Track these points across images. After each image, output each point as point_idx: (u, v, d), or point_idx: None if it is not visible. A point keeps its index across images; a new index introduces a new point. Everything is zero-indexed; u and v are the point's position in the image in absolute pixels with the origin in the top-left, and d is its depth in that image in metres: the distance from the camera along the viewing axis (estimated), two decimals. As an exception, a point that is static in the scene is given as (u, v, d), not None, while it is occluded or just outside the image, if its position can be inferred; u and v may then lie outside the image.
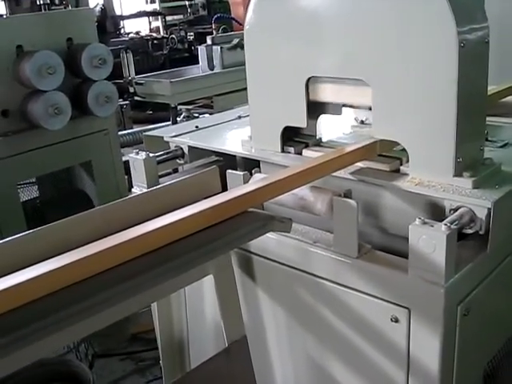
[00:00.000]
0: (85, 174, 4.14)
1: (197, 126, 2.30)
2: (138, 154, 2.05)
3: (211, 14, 6.55)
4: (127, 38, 7.32)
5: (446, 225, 1.29)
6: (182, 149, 2.16)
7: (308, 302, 1.62)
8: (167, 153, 2.17)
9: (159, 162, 2.09)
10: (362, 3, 1.57)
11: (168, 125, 4.49)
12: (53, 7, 7.09)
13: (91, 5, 7.72)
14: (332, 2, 1.63)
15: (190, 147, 2.13)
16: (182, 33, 7.78)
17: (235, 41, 4.16)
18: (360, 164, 1.63)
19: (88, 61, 3.49)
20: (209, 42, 4.28)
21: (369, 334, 1.49)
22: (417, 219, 1.34)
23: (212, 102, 4.23)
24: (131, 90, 4.22)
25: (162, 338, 1.92)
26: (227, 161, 2.08)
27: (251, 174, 1.71)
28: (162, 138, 2.22)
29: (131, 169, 2.06)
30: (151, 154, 2.03)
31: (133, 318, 1.85)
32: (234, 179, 1.70)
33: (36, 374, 2.24)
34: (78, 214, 1.36)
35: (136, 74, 4.68)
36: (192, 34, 7.56)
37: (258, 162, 1.92)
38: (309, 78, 1.73)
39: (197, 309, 1.89)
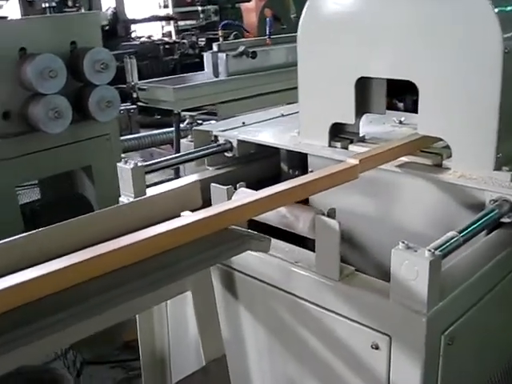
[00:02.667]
0: (86, 178, 4.11)
1: (243, 123, 2.40)
2: (126, 162, 2.01)
3: (223, 20, 6.52)
4: (138, 42, 7.34)
5: (429, 251, 1.24)
6: (230, 142, 2.27)
7: (288, 322, 1.57)
8: (216, 146, 2.27)
9: (207, 155, 2.27)
10: (413, 8, 1.72)
11: (172, 131, 4.45)
12: (65, 9, 7.14)
13: (103, 8, 7.76)
14: (385, 4, 1.78)
15: (239, 141, 2.23)
16: (194, 38, 7.76)
17: (241, 48, 4.12)
18: (404, 158, 1.78)
19: (90, 65, 3.46)
20: (215, 48, 4.24)
21: (349, 359, 1.44)
22: (400, 243, 1.28)
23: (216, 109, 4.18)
24: (135, 95, 4.19)
25: (143, 351, 1.88)
26: (270, 157, 2.35)
27: (235, 189, 1.66)
28: (210, 132, 2.34)
29: (119, 178, 2.02)
30: (139, 164, 1.99)
31: (126, 324, 1.84)
32: (218, 194, 1.65)
33: (15, 381, 2.20)
34: (59, 224, 1.33)
35: (146, 79, 4.67)
36: (203, 39, 7.54)
37: (302, 158, 2.09)
38: (359, 79, 1.86)
39: (178, 323, 1.85)
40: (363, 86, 1.91)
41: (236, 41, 4.58)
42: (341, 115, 1.95)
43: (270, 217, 1.52)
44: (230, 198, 1.63)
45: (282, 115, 2.52)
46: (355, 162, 1.51)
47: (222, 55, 4.14)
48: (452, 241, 1.35)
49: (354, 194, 1.92)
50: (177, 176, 4.05)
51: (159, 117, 7.04)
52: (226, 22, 4.78)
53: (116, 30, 7.32)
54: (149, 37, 8.27)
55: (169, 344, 1.90)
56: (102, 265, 1.19)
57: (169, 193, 1.48)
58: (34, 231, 1.29)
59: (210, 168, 2.32)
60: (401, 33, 1.75)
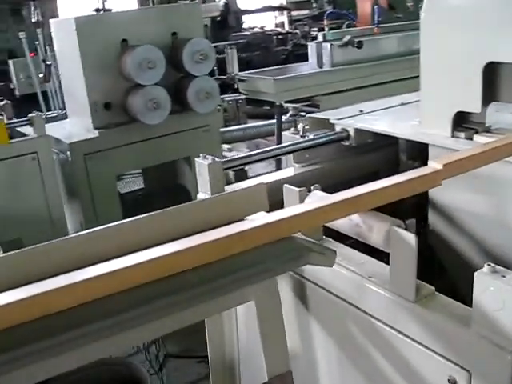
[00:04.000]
0: (187, 168, 4.14)
1: (361, 111, 2.30)
2: (204, 158, 1.94)
3: (337, 9, 6.33)
4: (249, 33, 7.31)
5: (518, 276, 1.04)
6: (347, 131, 2.17)
7: (360, 340, 1.42)
8: (333, 134, 2.20)
9: (321, 144, 2.18)
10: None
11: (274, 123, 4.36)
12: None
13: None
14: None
15: (356, 129, 2.14)
16: (306, 28, 7.63)
17: (346, 38, 3.93)
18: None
19: (189, 56, 3.46)
20: (320, 38, 4.09)
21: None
22: (485, 265, 1.09)
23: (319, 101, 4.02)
24: (236, 86, 4.15)
25: (212, 356, 1.80)
26: (387, 147, 2.23)
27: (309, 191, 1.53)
28: (326, 120, 2.26)
29: (197, 173, 1.96)
30: (217, 159, 1.91)
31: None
32: (290, 195, 1.52)
33: (96, 372, 2.22)
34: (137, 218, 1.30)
35: (256, 68, 4.62)
36: (316, 29, 7.39)
37: (422, 148, 1.95)
38: (487, 64, 1.72)
39: (248, 332, 1.75)
40: (491, 72, 1.76)
41: (341, 30, 4.38)
42: (466, 103, 1.82)
43: (342, 224, 1.38)
44: (302, 200, 1.49)
45: (402, 104, 2.40)
46: (438, 166, 1.32)
47: (327, 45, 3.97)
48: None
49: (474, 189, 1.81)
50: (278, 168, 3.96)
51: (268, 108, 7.00)
52: (331, 11, 4.60)
53: (227, 20, 7.35)
54: (261, 27, 8.25)
55: (238, 352, 1.81)
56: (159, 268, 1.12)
57: (233, 194, 1.37)
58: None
59: (297, 165, 2.19)
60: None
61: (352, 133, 2.18)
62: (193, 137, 3.77)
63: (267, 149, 2.14)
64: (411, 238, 1.20)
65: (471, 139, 1.84)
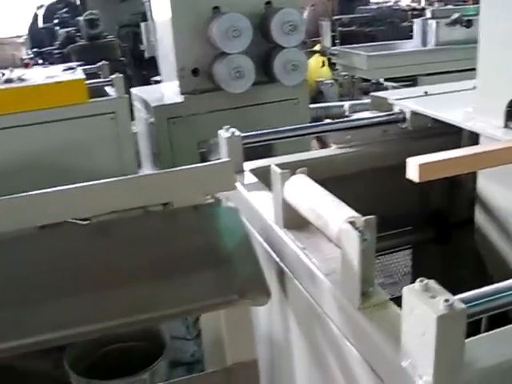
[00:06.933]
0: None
1: (426, 92, 2.24)
2: (227, 130, 1.88)
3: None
4: (375, 7, 6.97)
5: (447, 301, 0.87)
6: (404, 113, 2.08)
7: (318, 337, 1.31)
8: (389, 115, 2.11)
9: (375, 124, 2.07)
10: None
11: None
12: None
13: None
14: None
15: (412, 112, 2.05)
16: (442, 4, 7.12)
17: (455, 15, 3.58)
18: None
19: (278, 26, 3.37)
20: (428, 15, 3.77)
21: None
22: (417, 282, 0.94)
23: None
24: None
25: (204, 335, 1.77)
26: (449, 134, 2.04)
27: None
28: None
29: (220, 146, 1.91)
30: (237, 133, 1.84)
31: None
32: (274, 177, 1.42)
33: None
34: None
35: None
36: (450, 6, 6.87)
37: None
38: None
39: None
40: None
41: (452, 7, 4.01)
42: None
43: (308, 214, 1.26)
44: (283, 183, 1.39)
45: (475, 87, 2.16)
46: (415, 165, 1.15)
47: (432, 22, 3.66)
48: (505, 294, 0.95)
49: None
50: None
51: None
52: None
53: (354, -6, 7.08)
54: (396, 2, 7.86)
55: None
56: None
57: (196, 169, 1.31)
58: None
59: (333, 146, 2.06)
60: None
61: (408, 115, 2.04)
62: (279, 109, 3.68)
63: (303, 125, 2.03)
64: (355, 237, 1.06)
65: (525, 131, 1.69)
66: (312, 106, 4.13)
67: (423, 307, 0.89)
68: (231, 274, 1.19)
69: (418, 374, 0.92)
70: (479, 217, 1.92)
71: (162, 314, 1.11)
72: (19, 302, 1.13)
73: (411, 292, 0.93)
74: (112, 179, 1.20)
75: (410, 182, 2.07)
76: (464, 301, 0.91)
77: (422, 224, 2.19)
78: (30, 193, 1.24)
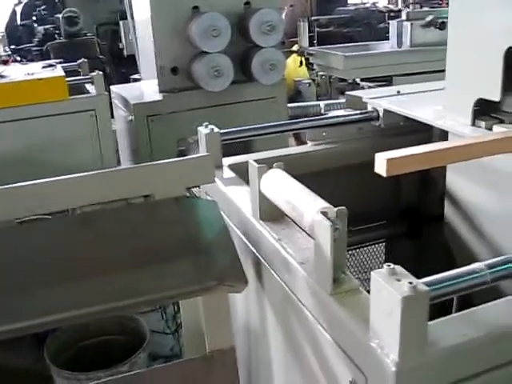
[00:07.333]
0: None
1: (398, 92, 2.30)
2: (206, 127, 1.93)
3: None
4: (353, 8, 7.07)
5: (410, 283, 0.94)
6: (377, 111, 2.15)
7: (293, 325, 1.37)
8: (363, 113, 2.19)
9: (351, 122, 2.15)
10: None
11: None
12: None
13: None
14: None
15: (385, 110, 2.12)
16: (418, 6, 7.27)
17: (429, 18, 3.68)
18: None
19: (257, 26, 3.43)
20: (403, 16, 3.87)
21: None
22: (385, 266, 1.00)
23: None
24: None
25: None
26: (420, 132, 2.11)
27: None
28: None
29: (199, 142, 1.96)
30: (216, 130, 1.90)
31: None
32: (252, 170, 1.48)
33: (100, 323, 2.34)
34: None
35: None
36: (427, 8, 7.00)
37: None
38: (508, 49, 1.63)
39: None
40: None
41: (426, 10, 4.12)
42: (486, 90, 1.73)
43: (282, 205, 1.32)
44: (260, 176, 1.44)
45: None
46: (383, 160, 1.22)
47: (407, 24, 3.75)
48: (471, 276, 1.02)
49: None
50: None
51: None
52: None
53: (332, -6, 7.17)
54: (373, 3, 7.97)
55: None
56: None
57: (177, 163, 1.36)
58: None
59: (310, 143, 2.12)
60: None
61: (381, 113, 2.11)
62: (257, 107, 3.74)
63: (280, 122, 2.09)
64: (327, 226, 1.12)
65: (491, 129, 1.74)
66: (289, 105, 4.20)
67: (389, 289, 0.96)
68: (210, 262, 1.24)
69: (386, 353, 0.98)
70: (448, 211, 2.00)
71: (144, 300, 1.16)
72: (4, 289, 1.17)
73: (379, 275, 0.99)
74: (96, 171, 1.25)
75: (384, 178, 2.15)
76: (427, 284, 0.98)
77: (395, 219, 2.27)
78: (13, 185, 1.28)
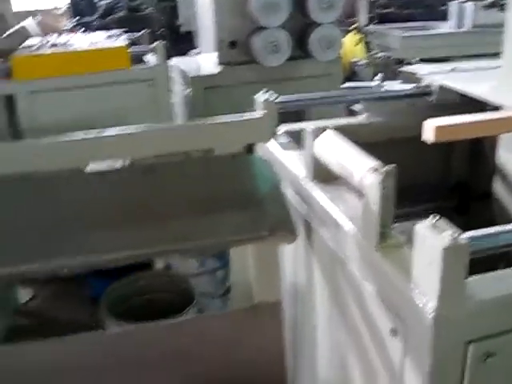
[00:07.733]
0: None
1: (453, 68, 2.29)
2: (266, 93, 1.99)
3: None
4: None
5: (452, 235, 1.00)
6: (431, 87, 2.15)
7: (340, 282, 1.44)
8: (417, 88, 2.19)
9: (403, 97, 2.16)
10: None
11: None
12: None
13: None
14: None
15: (439, 86, 2.12)
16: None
17: (492, -2, 3.63)
18: None
19: (316, 2, 3.45)
20: (465, -4, 3.82)
21: (373, 338, 1.27)
22: (430, 217, 1.06)
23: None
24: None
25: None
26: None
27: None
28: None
29: (256, 108, 2.02)
30: (273, 96, 1.96)
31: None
32: (307, 133, 1.54)
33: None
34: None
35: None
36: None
37: None
38: None
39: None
40: None
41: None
42: None
43: (333, 165, 1.39)
44: (314, 139, 1.51)
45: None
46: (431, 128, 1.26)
47: (470, 4, 3.70)
48: (508, 234, 1.06)
49: None
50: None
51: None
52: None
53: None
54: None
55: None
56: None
57: (237, 120, 1.44)
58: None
59: (362, 115, 2.16)
60: None
61: (436, 88, 2.11)
62: (312, 84, 3.76)
63: (335, 93, 2.13)
64: (376, 182, 1.19)
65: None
66: (343, 86, 4.19)
67: (431, 240, 1.02)
68: (263, 214, 1.32)
69: (425, 301, 1.04)
70: (498, 188, 2.02)
71: (196, 245, 1.25)
72: (57, 229, 1.27)
73: (422, 227, 1.05)
74: (161, 125, 1.35)
75: (433, 152, 2.16)
76: (470, 238, 1.03)
77: (444, 194, 2.30)
78: (87, 135, 1.39)
